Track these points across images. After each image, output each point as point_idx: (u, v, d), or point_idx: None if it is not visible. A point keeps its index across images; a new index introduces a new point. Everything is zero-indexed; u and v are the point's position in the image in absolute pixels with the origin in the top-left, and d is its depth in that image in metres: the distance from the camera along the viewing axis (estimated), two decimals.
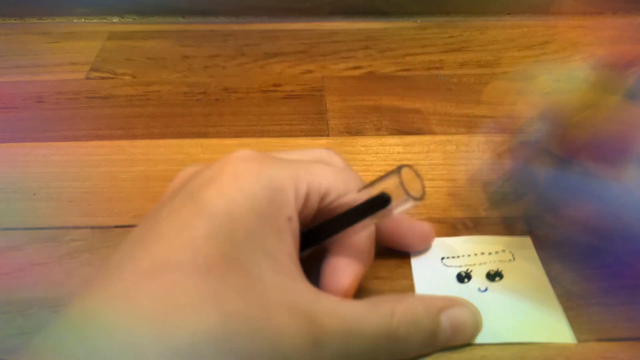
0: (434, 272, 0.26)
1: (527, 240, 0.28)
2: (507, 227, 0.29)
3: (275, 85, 0.41)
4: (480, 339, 0.23)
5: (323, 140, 0.35)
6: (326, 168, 0.23)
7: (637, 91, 0.24)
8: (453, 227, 0.29)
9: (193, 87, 0.41)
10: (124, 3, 0.49)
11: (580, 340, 0.23)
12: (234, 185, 0.20)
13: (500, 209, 0.30)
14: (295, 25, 0.48)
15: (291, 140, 0.35)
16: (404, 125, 0.37)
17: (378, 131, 0.36)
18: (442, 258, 0.27)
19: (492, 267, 0.26)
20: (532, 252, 0.27)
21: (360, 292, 0.24)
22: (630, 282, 0.25)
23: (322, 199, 0.22)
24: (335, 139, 0.35)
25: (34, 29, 0.48)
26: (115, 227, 0.29)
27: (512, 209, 0.29)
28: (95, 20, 0.49)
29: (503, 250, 0.27)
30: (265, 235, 0.20)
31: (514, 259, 0.27)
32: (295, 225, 0.22)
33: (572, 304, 0.25)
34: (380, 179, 0.23)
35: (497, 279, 0.26)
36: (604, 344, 0.23)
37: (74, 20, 0.49)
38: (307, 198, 0.22)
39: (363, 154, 0.34)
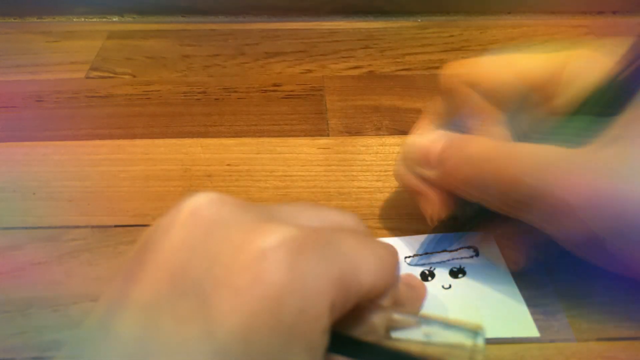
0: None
1: (490, 237, 0.28)
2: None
3: (275, 84, 0.41)
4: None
5: (323, 140, 0.35)
6: (369, 257, 0.18)
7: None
8: (452, 229, 0.29)
9: (193, 87, 0.41)
10: (124, 2, 0.49)
11: (580, 339, 0.23)
12: (255, 291, 0.15)
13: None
14: (295, 24, 0.48)
15: (291, 140, 0.35)
16: (404, 125, 0.37)
17: (378, 131, 0.36)
18: (405, 257, 0.27)
19: (455, 265, 0.26)
20: (495, 248, 0.27)
21: None
22: (630, 282, 0.25)
23: (360, 297, 0.18)
24: (335, 138, 0.35)
25: (34, 28, 0.48)
26: (115, 226, 0.29)
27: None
28: (95, 20, 0.49)
29: (468, 247, 0.27)
30: (292, 357, 0.15)
31: (477, 255, 0.27)
32: (328, 336, 0.17)
33: (572, 304, 0.25)
34: (445, 326, 0.18)
35: (460, 275, 0.26)
36: (604, 343, 0.23)
37: (74, 20, 0.49)
38: (346, 301, 0.17)
39: (363, 154, 0.34)
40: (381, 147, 0.35)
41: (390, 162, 0.33)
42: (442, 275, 0.26)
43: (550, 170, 0.22)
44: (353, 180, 0.32)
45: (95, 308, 0.17)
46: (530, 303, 0.25)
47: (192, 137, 0.35)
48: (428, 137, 0.26)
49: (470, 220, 0.27)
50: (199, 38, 0.47)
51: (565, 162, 0.22)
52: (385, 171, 0.33)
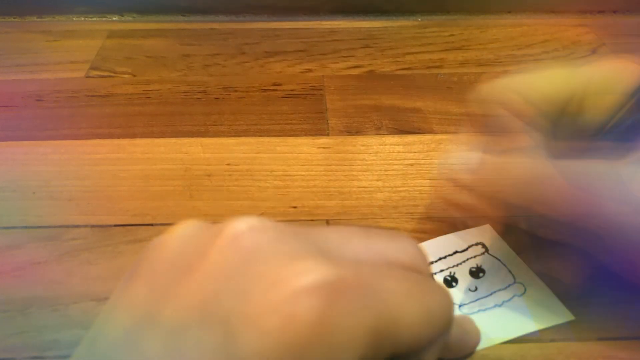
0: None
1: (488, 228, 0.28)
2: (507, 225, 0.29)
3: (275, 84, 0.41)
4: (489, 341, 0.23)
5: (323, 140, 0.35)
6: (414, 307, 0.17)
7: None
8: (453, 227, 0.29)
9: (193, 86, 0.40)
10: (124, 1, 0.49)
11: (580, 339, 0.23)
12: (282, 336, 0.14)
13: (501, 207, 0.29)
14: (296, 24, 0.48)
15: (291, 140, 0.35)
16: (404, 125, 0.37)
17: (378, 130, 0.36)
18: None
19: (471, 264, 0.26)
20: (499, 239, 0.27)
21: None
22: (631, 282, 0.25)
23: (397, 350, 0.16)
24: (335, 138, 0.35)
25: (34, 28, 0.48)
26: (115, 225, 0.29)
27: (512, 208, 0.29)
28: (95, 19, 0.49)
29: (476, 244, 0.27)
30: None
31: (486, 250, 0.27)
32: None
33: (572, 303, 0.25)
34: None
35: (480, 275, 0.26)
36: (605, 343, 0.23)
37: (74, 19, 0.49)
38: (378, 353, 0.16)
39: (363, 154, 0.34)
40: (381, 147, 0.35)
41: (391, 161, 0.33)
42: (463, 277, 0.26)
43: (592, 189, 0.22)
44: (353, 180, 0.32)
45: (118, 310, 0.17)
46: None
47: (192, 136, 0.35)
48: (473, 159, 0.26)
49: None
50: (199, 37, 0.47)
51: (605, 177, 0.22)
52: (386, 170, 0.33)
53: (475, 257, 0.27)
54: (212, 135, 0.36)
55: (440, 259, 0.27)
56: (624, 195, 0.21)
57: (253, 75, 0.42)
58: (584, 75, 0.26)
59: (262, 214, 0.29)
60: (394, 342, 0.16)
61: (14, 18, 0.49)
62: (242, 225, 0.17)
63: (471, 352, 0.23)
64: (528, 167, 0.24)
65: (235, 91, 0.40)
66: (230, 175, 0.32)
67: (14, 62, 0.43)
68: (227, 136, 0.35)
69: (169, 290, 0.16)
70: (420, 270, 0.18)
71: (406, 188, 0.31)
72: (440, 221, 0.29)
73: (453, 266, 0.26)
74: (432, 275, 0.21)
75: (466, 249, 0.27)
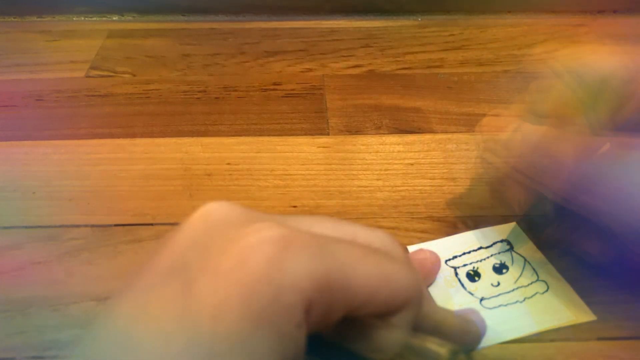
0: (442, 273, 0.26)
1: (515, 226, 0.28)
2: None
3: (275, 83, 0.41)
4: (510, 334, 0.23)
5: (323, 139, 0.35)
6: (369, 268, 0.18)
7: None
8: (454, 226, 0.29)
9: (193, 86, 0.40)
10: (124, 1, 0.49)
11: (580, 339, 0.23)
12: (233, 275, 0.16)
13: (501, 207, 0.30)
14: (296, 23, 0.48)
15: (291, 139, 0.35)
16: (404, 124, 0.37)
17: (378, 130, 0.36)
18: (447, 260, 0.27)
19: (495, 260, 0.27)
20: (524, 237, 0.27)
21: None
22: (631, 281, 0.25)
23: (353, 310, 0.18)
24: (335, 137, 0.35)
25: (34, 27, 0.48)
26: (115, 225, 0.29)
27: (512, 208, 0.29)
28: (95, 19, 0.49)
29: (502, 241, 0.27)
30: (258, 344, 0.16)
31: (511, 247, 0.27)
32: (304, 332, 0.17)
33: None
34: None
35: (504, 271, 0.26)
36: (605, 342, 0.23)
37: (74, 19, 0.49)
38: (331, 305, 0.17)
39: (363, 153, 0.34)
40: (381, 146, 0.35)
41: (391, 161, 0.33)
42: (486, 273, 0.26)
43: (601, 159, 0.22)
44: (353, 179, 0.32)
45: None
46: None
47: (192, 136, 0.35)
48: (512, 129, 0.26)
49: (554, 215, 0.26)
50: (199, 37, 0.47)
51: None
52: (386, 170, 0.33)
53: (499, 253, 0.27)
54: (212, 134, 0.36)
55: (464, 253, 0.27)
56: None
57: (253, 75, 0.42)
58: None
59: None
60: (346, 296, 0.17)
61: (14, 18, 0.49)
62: (212, 204, 0.19)
63: (476, 341, 0.23)
64: (541, 135, 0.24)
65: (235, 91, 0.40)
66: (230, 174, 0.32)
67: (14, 62, 0.43)
68: (227, 136, 0.35)
69: (143, 267, 0.18)
70: (391, 254, 0.19)
71: (406, 187, 0.31)
72: (441, 221, 0.29)
73: (477, 261, 0.27)
74: (408, 263, 0.21)
75: (491, 245, 0.27)
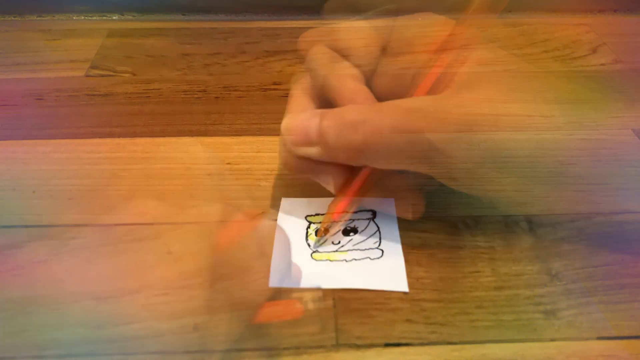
0: (296, 225, 0.29)
1: (391, 201, 0.29)
2: (508, 225, 0.29)
3: (275, 83, 0.41)
4: (325, 284, 0.25)
5: None
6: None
7: None
8: (454, 226, 0.29)
9: (193, 85, 0.40)
10: (124, 0, 0.49)
11: (580, 338, 0.23)
12: None
13: (501, 207, 0.30)
14: (296, 23, 0.48)
15: None
16: None
17: None
18: (307, 216, 0.29)
19: (350, 224, 0.28)
20: (392, 211, 0.29)
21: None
22: (631, 281, 0.25)
23: None
24: None
25: (34, 26, 0.48)
26: (115, 224, 0.29)
27: (512, 208, 0.29)
28: (95, 18, 0.49)
29: (369, 210, 0.29)
30: None
31: (374, 217, 0.29)
32: None
33: (573, 302, 0.25)
34: None
35: (351, 234, 0.28)
36: (605, 342, 0.23)
37: (74, 18, 0.49)
38: None
39: None
40: None
41: None
42: (332, 232, 0.28)
43: (420, 118, 0.24)
44: None
45: None
46: (531, 301, 0.25)
47: (193, 135, 0.35)
48: (302, 116, 0.27)
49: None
50: (199, 36, 0.47)
51: (430, 109, 0.25)
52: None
53: (359, 220, 0.29)
54: (213, 134, 0.36)
55: (327, 214, 0.28)
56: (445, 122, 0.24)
57: (253, 75, 0.42)
58: (392, 28, 0.30)
59: (262, 213, 0.29)
60: None
61: (14, 17, 0.49)
62: None
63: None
64: (358, 111, 0.26)
65: (236, 90, 0.40)
66: (230, 174, 0.32)
67: (14, 61, 0.43)
68: (228, 135, 0.35)
69: None
70: None
71: None
72: (441, 220, 0.29)
73: (332, 222, 0.28)
74: None
75: (357, 212, 0.29)
